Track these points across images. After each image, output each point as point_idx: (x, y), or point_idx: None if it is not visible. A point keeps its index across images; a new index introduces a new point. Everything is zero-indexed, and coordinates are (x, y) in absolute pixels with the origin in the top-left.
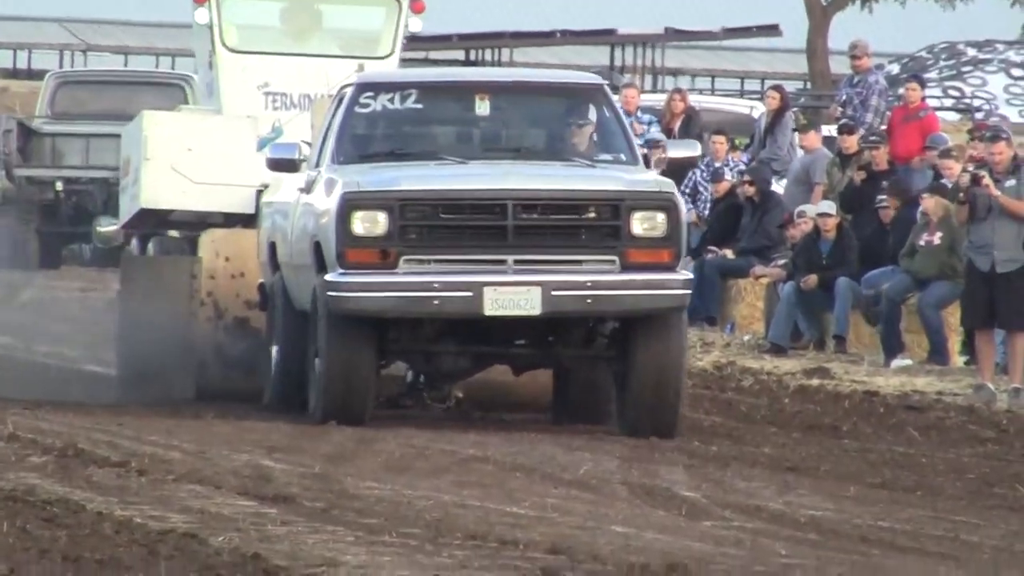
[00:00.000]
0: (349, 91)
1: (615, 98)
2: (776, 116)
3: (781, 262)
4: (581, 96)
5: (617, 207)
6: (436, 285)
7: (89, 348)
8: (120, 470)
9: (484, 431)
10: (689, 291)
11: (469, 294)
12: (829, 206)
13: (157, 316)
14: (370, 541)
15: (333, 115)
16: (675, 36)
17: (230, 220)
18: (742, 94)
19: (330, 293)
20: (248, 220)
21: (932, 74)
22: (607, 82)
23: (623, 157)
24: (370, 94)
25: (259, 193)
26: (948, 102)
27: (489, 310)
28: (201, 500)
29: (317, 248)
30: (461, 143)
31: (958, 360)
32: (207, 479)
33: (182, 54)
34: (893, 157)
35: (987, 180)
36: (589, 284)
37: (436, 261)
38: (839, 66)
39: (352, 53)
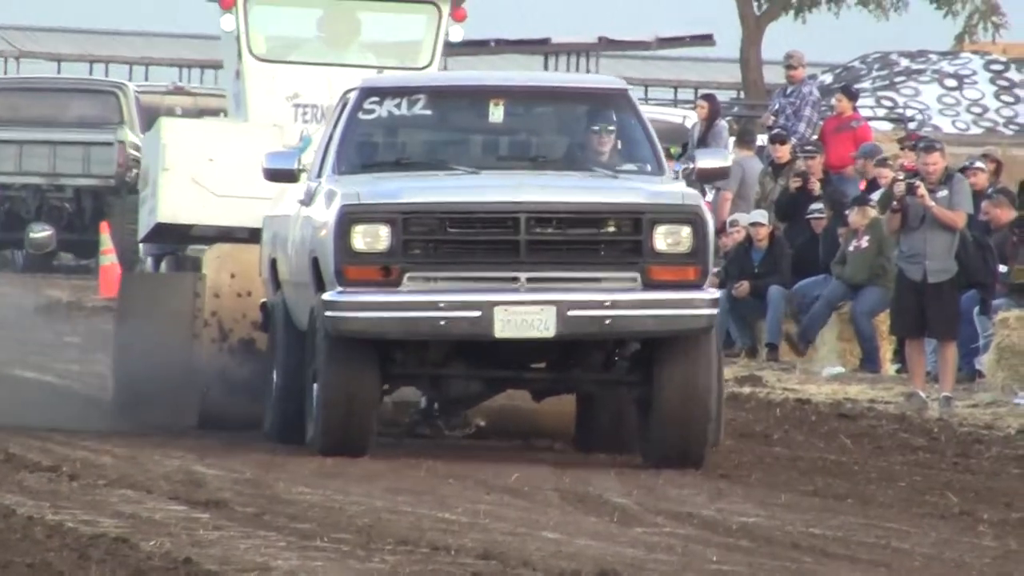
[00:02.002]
0: (353, 96)
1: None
2: (708, 125)
3: (714, 270)
4: (603, 101)
5: (639, 220)
6: (442, 304)
7: (18, 354)
8: (51, 475)
9: (417, 439)
10: (716, 311)
11: (478, 314)
12: (761, 215)
13: (157, 337)
14: (302, 546)
15: (335, 122)
16: (609, 45)
17: (255, 236)
18: (675, 103)
19: (328, 313)
20: None
21: (865, 84)
22: (630, 87)
23: (648, 167)
24: (375, 99)
25: None
26: (881, 112)
27: (499, 332)
28: (133, 505)
29: (316, 264)
30: (473, 152)
31: (890, 368)
32: (139, 484)
33: (116, 61)
34: (826, 166)
35: (922, 190)
36: (608, 303)
37: (442, 279)
38: (773, 76)
39: (389, 63)
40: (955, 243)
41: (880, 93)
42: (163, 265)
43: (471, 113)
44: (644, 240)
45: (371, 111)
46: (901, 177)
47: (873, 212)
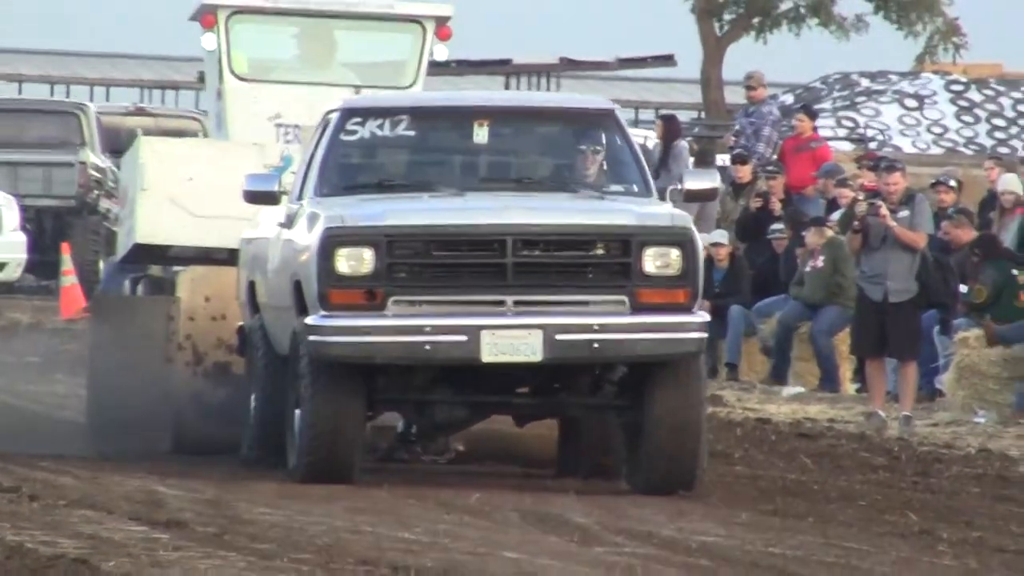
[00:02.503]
0: (334, 117)
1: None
2: (666, 145)
3: None
4: (589, 122)
5: (627, 243)
6: (428, 328)
7: None
8: (12, 495)
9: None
10: (706, 335)
11: (464, 338)
12: (721, 235)
13: (131, 361)
14: (263, 567)
15: (316, 143)
16: (570, 66)
17: (235, 256)
18: (636, 124)
19: (312, 338)
20: None
21: (826, 104)
22: (617, 107)
23: (635, 188)
24: (357, 120)
25: None
26: (842, 132)
27: (487, 356)
28: (93, 525)
29: (298, 288)
30: (457, 173)
31: (849, 388)
32: (99, 504)
33: (76, 82)
34: (786, 186)
35: (884, 210)
36: (596, 327)
37: (428, 302)
38: (734, 96)
39: (372, 82)
40: (916, 263)
41: (841, 113)
42: (139, 288)
43: (455, 134)
44: (633, 263)
45: (353, 132)
46: (861, 197)
47: (830, 232)
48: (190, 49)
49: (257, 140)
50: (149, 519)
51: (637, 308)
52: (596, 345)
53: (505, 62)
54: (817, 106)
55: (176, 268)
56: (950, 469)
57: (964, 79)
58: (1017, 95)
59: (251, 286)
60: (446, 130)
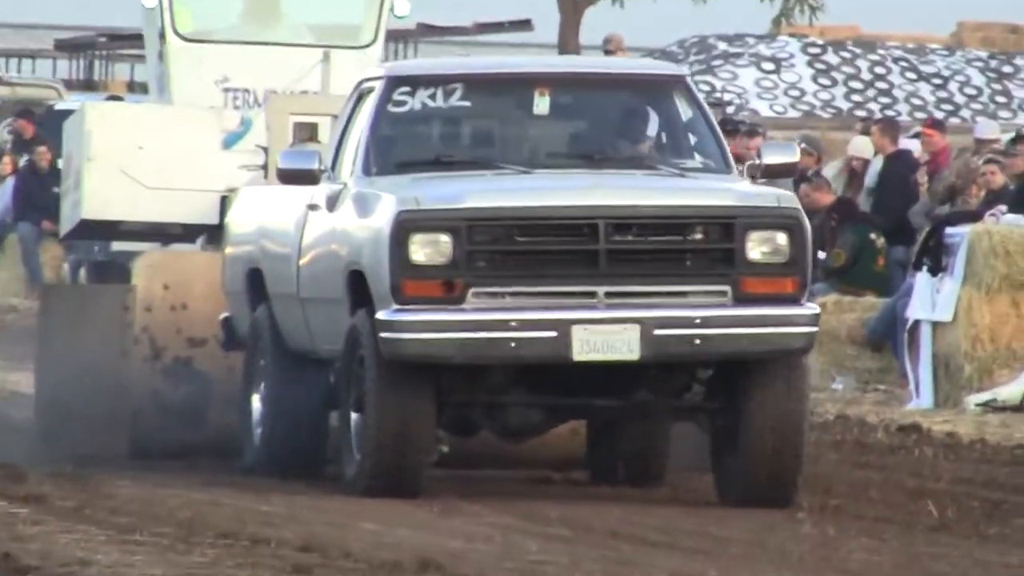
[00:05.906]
0: (378, 86)
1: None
2: None
3: None
4: (660, 90)
5: (730, 226)
6: (513, 324)
7: None
8: None
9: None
10: (816, 329)
11: (553, 334)
12: None
13: (83, 355)
14: (122, 540)
15: (351, 115)
16: (427, 31)
17: (191, 232)
18: None
19: (384, 335)
20: (213, 232)
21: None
22: (688, 73)
23: (713, 163)
24: (406, 89)
25: (224, 200)
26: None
27: (578, 354)
28: None
29: (355, 279)
30: (519, 148)
31: None
32: None
33: None
34: None
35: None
36: (697, 321)
37: (512, 294)
38: None
39: (328, 42)
40: None
41: (698, 77)
42: (82, 273)
43: (512, 103)
44: (736, 248)
45: (402, 103)
46: None
47: None
48: (47, 17)
49: (203, 105)
50: (8, 494)
51: (741, 299)
52: (698, 341)
53: None
54: None
55: (123, 249)
56: (808, 436)
57: (821, 41)
58: (874, 57)
59: (253, 273)
60: (504, 99)
